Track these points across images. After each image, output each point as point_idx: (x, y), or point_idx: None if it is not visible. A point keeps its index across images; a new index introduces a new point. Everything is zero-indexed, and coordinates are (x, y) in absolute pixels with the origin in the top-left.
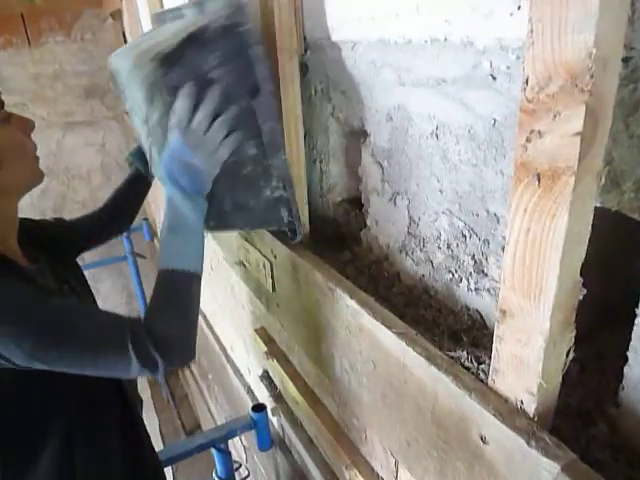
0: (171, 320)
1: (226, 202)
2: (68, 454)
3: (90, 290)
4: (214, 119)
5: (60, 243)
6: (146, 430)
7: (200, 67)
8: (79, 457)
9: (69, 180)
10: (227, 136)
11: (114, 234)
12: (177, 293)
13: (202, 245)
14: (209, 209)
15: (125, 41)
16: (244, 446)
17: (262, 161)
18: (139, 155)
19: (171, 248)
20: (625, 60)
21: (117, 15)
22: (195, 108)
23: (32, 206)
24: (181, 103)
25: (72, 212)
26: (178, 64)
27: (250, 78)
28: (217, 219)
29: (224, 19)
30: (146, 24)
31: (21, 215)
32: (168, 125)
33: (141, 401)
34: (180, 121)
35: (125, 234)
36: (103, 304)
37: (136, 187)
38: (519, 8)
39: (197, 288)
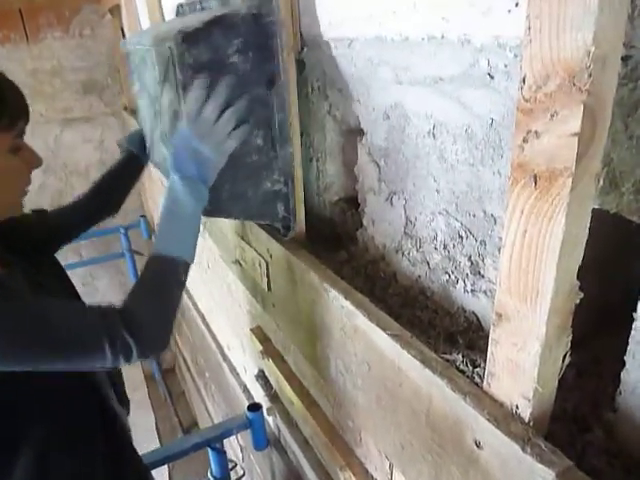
0: (149, 306)
1: (225, 188)
2: (44, 464)
3: (72, 289)
4: (225, 109)
5: (38, 242)
6: (129, 435)
7: (223, 49)
8: (55, 467)
9: (67, 176)
10: (236, 127)
11: (104, 215)
12: (162, 279)
13: (198, 233)
14: (209, 192)
15: (124, 37)
16: (240, 445)
17: (268, 152)
18: (136, 141)
19: (166, 235)
20: (624, 59)
21: (116, 11)
22: (207, 98)
23: (30, 202)
24: (194, 93)
25: None
26: (202, 42)
27: (269, 68)
28: (213, 204)
29: (253, 8)
30: (144, 20)
31: None
32: (178, 112)
33: (128, 402)
34: (191, 111)
35: (122, 231)
36: (101, 301)
37: (129, 168)
38: (517, 5)
39: (184, 276)
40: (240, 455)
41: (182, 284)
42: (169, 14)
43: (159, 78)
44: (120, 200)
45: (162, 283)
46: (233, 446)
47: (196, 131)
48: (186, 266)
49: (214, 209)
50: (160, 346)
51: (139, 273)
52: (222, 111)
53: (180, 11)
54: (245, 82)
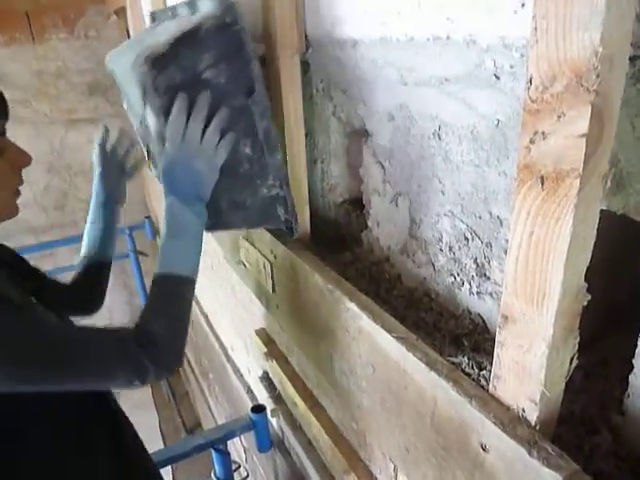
0: (163, 325)
1: (223, 201)
2: (52, 464)
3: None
4: (207, 124)
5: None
6: (134, 431)
7: (194, 67)
8: (63, 467)
9: (71, 177)
10: (222, 138)
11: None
12: (172, 298)
13: (200, 250)
14: (208, 207)
15: (129, 38)
16: (244, 446)
17: (258, 160)
18: (104, 156)
19: (171, 253)
20: (632, 59)
21: (121, 12)
22: (188, 117)
23: (34, 203)
24: (174, 117)
25: (74, 209)
26: (171, 65)
27: (245, 77)
28: (214, 218)
29: (217, 18)
30: (150, 21)
31: (24, 210)
32: (163, 134)
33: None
34: (174, 134)
35: (127, 232)
36: (105, 301)
37: (95, 275)
38: (523, 5)
39: (191, 293)
40: (244, 456)
41: (190, 301)
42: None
43: (141, 99)
44: (99, 297)
45: (172, 302)
46: (237, 447)
47: (184, 152)
48: (192, 283)
49: (215, 223)
50: (175, 366)
51: (142, 274)
52: (206, 126)
53: (154, 18)
54: (223, 95)
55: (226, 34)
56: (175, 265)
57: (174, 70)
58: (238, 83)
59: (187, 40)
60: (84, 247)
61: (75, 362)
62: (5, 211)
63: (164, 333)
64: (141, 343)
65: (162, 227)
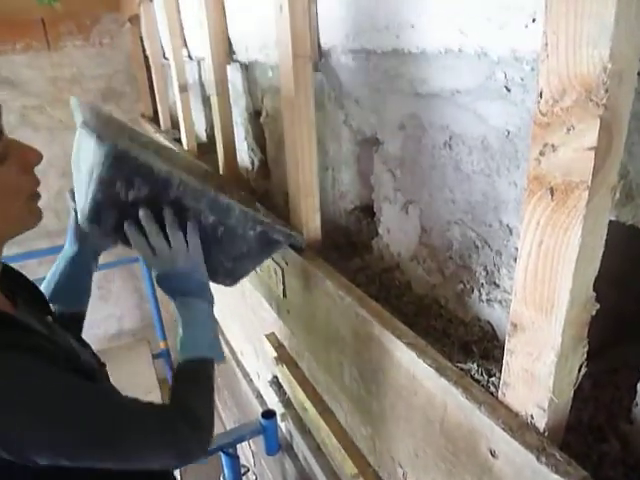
0: (206, 408)
1: (226, 262)
2: None
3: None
4: (163, 230)
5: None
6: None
7: (119, 197)
8: None
9: None
10: (184, 232)
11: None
12: (199, 380)
13: (215, 328)
14: (218, 273)
15: (142, 46)
16: (252, 451)
17: (224, 221)
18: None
19: (192, 340)
20: None
21: (135, 20)
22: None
23: (48, 207)
24: (136, 243)
25: None
26: (103, 210)
27: (159, 179)
28: (228, 277)
29: (106, 158)
30: (163, 29)
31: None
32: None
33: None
34: (145, 255)
35: None
36: (115, 304)
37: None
38: (534, 20)
39: (213, 372)
40: (252, 460)
41: (213, 378)
42: (188, 28)
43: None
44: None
45: (205, 385)
46: (245, 451)
47: (164, 266)
48: (213, 363)
49: (234, 279)
50: (209, 444)
51: (153, 278)
52: (164, 234)
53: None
54: (155, 199)
55: (123, 163)
56: (195, 350)
57: (110, 211)
58: (157, 186)
59: (103, 184)
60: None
61: (125, 437)
62: (25, 219)
63: (209, 417)
64: (193, 427)
65: (176, 315)
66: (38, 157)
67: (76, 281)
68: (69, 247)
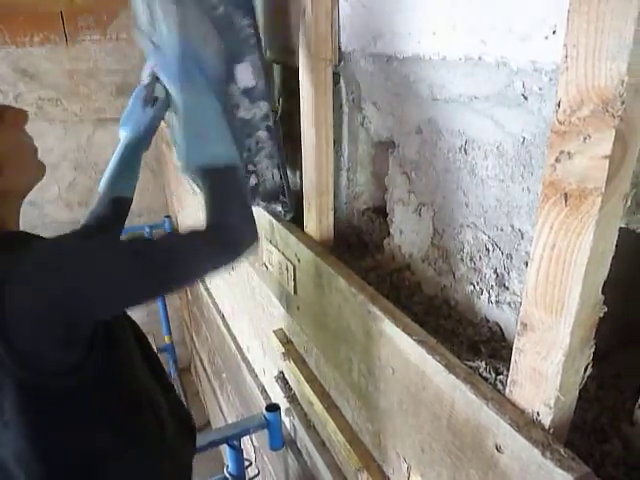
0: (236, 211)
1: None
2: (103, 475)
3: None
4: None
5: None
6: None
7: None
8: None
9: (97, 175)
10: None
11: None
12: (232, 187)
13: (229, 136)
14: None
15: None
16: (254, 445)
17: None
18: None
19: (200, 147)
20: None
21: None
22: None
23: (59, 198)
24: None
25: None
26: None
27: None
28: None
29: None
30: None
31: (49, 205)
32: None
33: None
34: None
35: (147, 230)
36: None
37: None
38: (554, 33)
39: (240, 174)
40: (253, 455)
41: (243, 182)
42: None
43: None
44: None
45: (237, 191)
46: (246, 446)
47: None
48: (234, 169)
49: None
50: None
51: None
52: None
53: None
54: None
55: None
56: (216, 156)
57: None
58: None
59: None
60: (106, 184)
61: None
62: (36, 174)
63: (242, 218)
64: (232, 229)
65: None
66: (26, 115)
67: (130, 167)
68: (131, 133)
